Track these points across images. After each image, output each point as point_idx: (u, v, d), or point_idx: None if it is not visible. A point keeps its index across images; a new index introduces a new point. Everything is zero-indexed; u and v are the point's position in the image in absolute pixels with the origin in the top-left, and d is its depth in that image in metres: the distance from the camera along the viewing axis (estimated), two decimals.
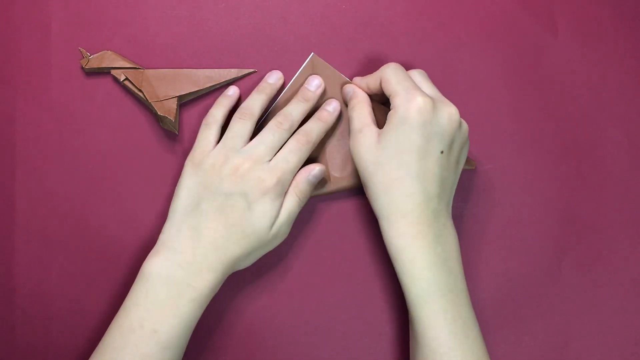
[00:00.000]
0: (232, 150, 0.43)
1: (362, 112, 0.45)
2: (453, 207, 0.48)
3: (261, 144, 0.44)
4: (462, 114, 0.49)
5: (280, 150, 0.44)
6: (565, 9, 0.50)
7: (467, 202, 0.49)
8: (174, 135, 0.48)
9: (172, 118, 0.46)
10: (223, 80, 0.48)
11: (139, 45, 0.48)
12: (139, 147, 0.48)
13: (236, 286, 0.48)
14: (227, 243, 0.42)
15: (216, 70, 0.48)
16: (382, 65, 0.48)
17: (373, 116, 0.45)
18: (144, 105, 0.48)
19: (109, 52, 0.48)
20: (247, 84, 0.48)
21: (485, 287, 0.48)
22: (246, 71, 0.48)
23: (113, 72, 0.47)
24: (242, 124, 0.44)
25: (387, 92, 0.44)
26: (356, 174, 0.47)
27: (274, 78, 0.47)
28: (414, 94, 0.42)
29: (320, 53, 0.48)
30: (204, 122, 0.46)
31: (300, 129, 0.45)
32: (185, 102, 0.48)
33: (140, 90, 0.47)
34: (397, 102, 0.42)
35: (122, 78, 0.47)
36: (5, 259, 0.48)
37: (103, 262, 0.48)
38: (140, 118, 0.48)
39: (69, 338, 0.48)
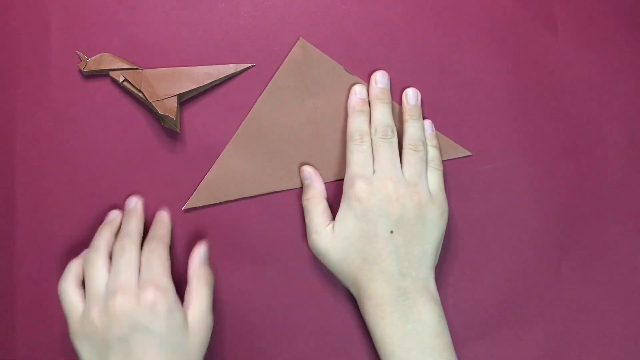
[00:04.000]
0: (100, 296, 0.41)
1: (316, 210, 0.46)
2: (453, 207, 0.48)
3: (118, 273, 0.41)
4: (462, 114, 0.49)
5: (140, 264, 0.42)
6: (565, 9, 0.50)
7: (467, 202, 0.49)
8: (175, 134, 0.48)
9: (173, 117, 0.46)
10: (222, 76, 0.48)
11: (137, 45, 0.48)
12: (140, 147, 0.48)
13: (236, 286, 0.48)
14: None
15: (214, 66, 0.48)
16: (382, 65, 0.49)
17: (325, 209, 0.46)
18: (144, 105, 0.48)
19: (107, 54, 0.48)
20: (246, 79, 0.48)
21: (485, 287, 0.48)
22: (244, 66, 0.48)
23: (112, 73, 0.47)
24: (94, 268, 0.42)
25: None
26: (342, 167, 0.48)
27: (132, 203, 0.46)
28: (354, 180, 0.44)
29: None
30: (60, 287, 0.42)
31: (148, 237, 0.44)
32: (185, 99, 0.48)
33: (139, 91, 0.47)
34: (345, 178, 0.45)
35: (120, 79, 0.47)
36: (5, 259, 0.48)
37: None
38: (140, 118, 0.48)
39: (69, 338, 0.47)
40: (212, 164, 0.48)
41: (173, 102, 0.47)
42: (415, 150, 0.45)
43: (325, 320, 0.48)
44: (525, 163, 0.49)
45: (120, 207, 0.48)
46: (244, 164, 0.48)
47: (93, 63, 0.47)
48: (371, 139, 0.46)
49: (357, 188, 0.44)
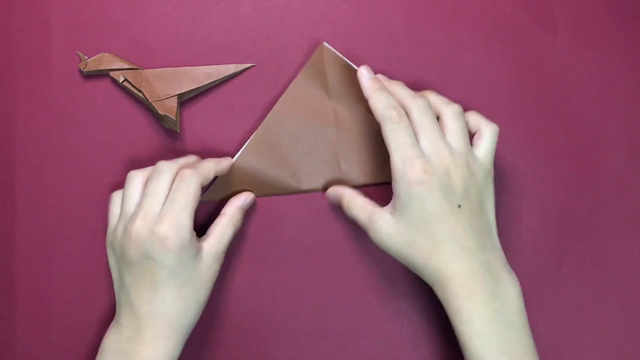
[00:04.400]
0: (125, 214, 0.42)
1: (357, 204, 0.44)
2: None
3: (146, 197, 0.42)
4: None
5: (168, 195, 0.42)
6: (565, 9, 0.50)
7: None
8: (175, 134, 0.48)
9: (173, 117, 0.46)
10: (222, 76, 0.48)
11: (137, 45, 0.48)
12: (140, 147, 0.48)
13: (237, 286, 0.48)
14: (165, 306, 0.41)
15: (215, 66, 0.48)
16: (382, 65, 0.49)
17: (367, 201, 0.44)
18: (144, 105, 0.48)
19: (107, 54, 0.48)
20: (246, 79, 0.48)
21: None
22: (244, 66, 0.48)
23: (112, 73, 0.47)
24: (131, 187, 0.43)
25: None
26: (363, 172, 0.47)
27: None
28: (409, 163, 0.40)
29: None
30: (111, 195, 0.45)
31: (184, 169, 0.44)
32: (185, 100, 0.48)
33: (140, 91, 0.47)
34: (394, 163, 0.41)
35: (121, 79, 0.47)
36: (5, 259, 0.48)
37: (103, 262, 0.48)
38: (140, 118, 0.48)
39: (69, 338, 0.48)
40: None
41: (173, 102, 0.47)
42: (459, 113, 0.43)
43: (325, 320, 0.48)
44: (525, 163, 0.49)
45: None
46: (260, 165, 0.47)
47: (93, 63, 0.48)
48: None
49: (415, 170, 0.40)
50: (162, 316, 0.41)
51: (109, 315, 0.48)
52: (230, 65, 0.48)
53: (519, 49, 0.49)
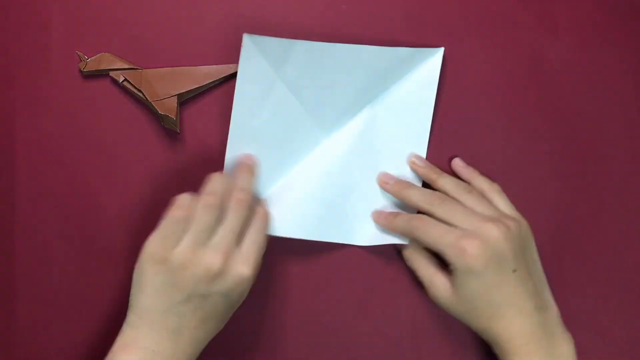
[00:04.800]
0: (200, 244, 0.41)
1: (419, 259, 0.46)
2: None
3: (229, 232, 0.42)
4: (462, 114, 0.49)
5: (247, 233, 0.43)
6: (565, 9, 0.50)
7: None
8: (175, 134, 0.48)
9: (173, 116, 0.46)
10: (222, 76, 0.48)
11: (137, 45, 0.48)
12: (140, 147, 0.48)
13: None
14: (207, 333, 0.42)
15: (214, 66, 0.48)
16: None
17: (428, 257, 0.45)
18: (144, 105, 0.48)
19: (107, 54, 0.48)
20: None
21: None
22: None
23: (112, 73, 0.47)
24: (208, 214, 0.42)
25: (429, 247, 0.43)
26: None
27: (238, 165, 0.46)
28: (459, 244, 0.41)
29: None
30: (171, 209, 0.42)
31: (259, 207, 0.45)
32: (185, 99, 0.48)
33: (139, 91, 0.47)
34: (449, 257, 0.42)
35: (121, 79, 0.47)
36: (5, 258, 0.48)
37: (103, 262, 0.48)
38: (140, 118, 0.48)
39: (69, 338, 0.48)
40: (212, 164, 0.48)
41: (173, 102, 0.47)
42: (469, 192, 0.45)
43: (325, 320, 0.48)
44: (525, 163, 0.49)
45: (120, 207, 0.48)
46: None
47: (93, 63, 0.47)
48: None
49: (469, 249, 0.41)
50: (200, 341, 0.42)
51: (109, 315, 0.48)
52: (231, 65, 0.48)
53: (519, 49, 0.49)
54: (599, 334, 0.49)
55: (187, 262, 0.40)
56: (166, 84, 0.47)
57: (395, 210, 0.48)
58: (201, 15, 0.48)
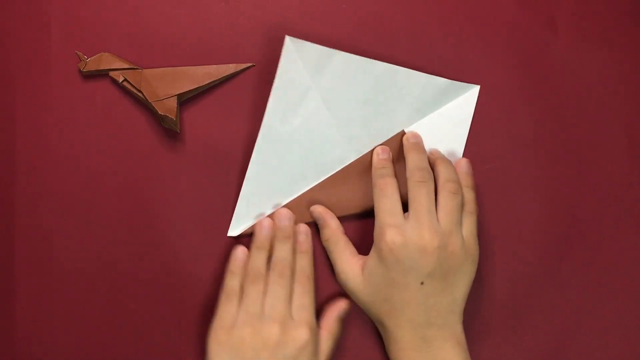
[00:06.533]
0: (255, 318, 0.43)
1: (337, 248, 0.46)
2: None
3: (278, 301, 0.43)
4: None
5: (293, 300, 0.44)
6: (565, 9, 0.50)
7: None
8: (175, 134, 0.48)
9: (173, 117, 0.46)
10: (222, 75, 0.48)
11: (137, 45, 0.48)
12: (140, 147, 0.48)
13: None
14: None
15: (214, 66, 0.48)
16: None
17: (347, 246, 0.46)
18: (144, 105, 0.48)
19: (106, 54, 0.48)
20: (246, 79, 0.48)
21: (485, 287, 0.48)
22: (244, 65, 0.48)
23: (111, 73, 0.47)
24: (255, 288, 0.44)
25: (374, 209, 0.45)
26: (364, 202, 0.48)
27: (266, 230, 0.46)
28: (384, 230, 0.43)
29: None
30: (223, 292, 0.45)
31: (297, 271, 0.45)
32: (185, 100, 0.48)
33: (139, 91, 0.47)
34: (375, 234, 0.44)
35: (120, 79, 0.47)
36: (5, 259, 0.48)
37: (103, 262, 0.48)
38: (140, 118, 0.48)
39: (69, 338, 0.48)
40: (212, 164, 0.48)
41: (173, 102, 0.47)
42: (454, 194, 0.44)
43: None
44: (526, 163, 0.49)
45: (120, 207, 0.48)
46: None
47: (93, 63, 0.47)
48: (397, 184, 0.45)
49: (388, 238, 0.42)
50: None
51: (109, 315, 0.48)
52: (231, 65, 0.48)
53: (519, 48, 0.49)
54: (599, 333, 0.49)
55: (247, 337, 0.42)
56: (166, 84, 0.47)
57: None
58: (201, 16, 0.48)
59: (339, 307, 0.46)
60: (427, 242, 0.42)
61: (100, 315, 0.48)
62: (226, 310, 0.44)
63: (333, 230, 0.47)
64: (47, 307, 0.48)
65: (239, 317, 0.43)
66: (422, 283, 0.42)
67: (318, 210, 0.47)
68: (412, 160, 0.45)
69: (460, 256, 0.43)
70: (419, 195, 0.43)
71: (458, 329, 0.44)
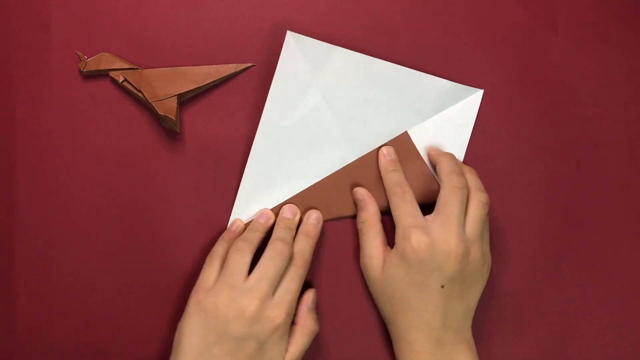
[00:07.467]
0: (233, 288, 0.42)
1: (370, 233, 0.46)
2: None
3: (263, 278, 0.42)
4: None
5: (281, 281, 0.43)
6: (565, 9, 0.50)
7: None
8: (175, 134, 0.48)
9: (173, 117, 0.46)
10: (222, 76, 0.48)
11: (137, 45, 0.48)
12: (140, 147, 0.48)
13: None
14: None
15: (214, 66, 0.48)
16: None
17: (380, 233, 0.46)
18: (144, 105, 0.48)
19: (106, 53, 0.48)
20: (246, 79, 0.48)
21: (485, 287, 0.48)
22: (244, 65, 0.48)
23: (111, 73, 0.47)
24: (240, 257, 0.43)
25: (393, 214, 0.45)
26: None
27: (265, 218, 0.47)
28: (409, 232, 0.43)
29: None
30: (208, 256, 0.45)
31: (295, 252, 0.45)
32: (185, 100, 0.48)
33: (139, 91, 0.47)
34: (396, 234, 0.44)
35: (120, 79, 0.47)
36: (5, 259, 0.48)
37: (103, 262, 0.48)
38: (140, 118, 0.48)
39: (69, 338, 0.48)
40: (212, 164, 0.48)
41: (173, 102, 0.47)
42: (484, 204, 0.44)
43: (325, 320, 0.48)
44: (526, 163, 0.49)
45: (119, 207, 0.48)
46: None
47: (93, 63, 0.47)
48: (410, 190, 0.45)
49: (414, 239, 0.42)
50: None
51: (109, 315, 0.48)
52: (231, 65, 0.48)
53: (519, 49, 0.49)
54: (599, 333, 0.49)
55: (220, 303, 0.42)
56: (166, 84, 0.47)
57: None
58: (201, 15, 0.48)
59: (306, 300, 0.46)
60: (453, 248, 0.42)
61: (100, 315, 0.48)
62: (207, 273, 0.44)
63: (371, 214, 0.47)
64: (47, 307, 0.48)
65: (218, 281, 0.43)
66: (442, 286, 0.43)
67: (360, 192, 0.47)
68: (448, 166, 0.45)
69: (480, 264, 0.44)
70: (453, 201, 0.43)
71: (469, 333, 0.45)
